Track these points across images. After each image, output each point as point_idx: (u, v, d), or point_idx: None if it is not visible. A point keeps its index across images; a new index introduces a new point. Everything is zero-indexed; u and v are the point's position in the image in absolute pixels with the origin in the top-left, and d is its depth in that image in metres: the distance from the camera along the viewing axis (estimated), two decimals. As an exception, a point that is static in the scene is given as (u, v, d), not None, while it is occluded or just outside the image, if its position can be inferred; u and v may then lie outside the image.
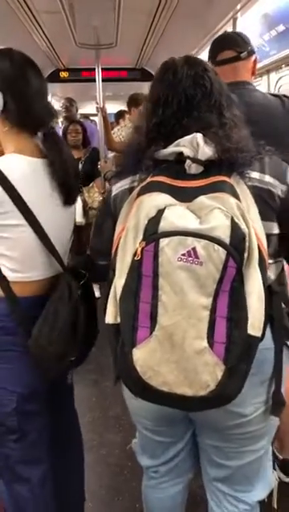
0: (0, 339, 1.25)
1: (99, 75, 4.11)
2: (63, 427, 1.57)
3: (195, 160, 0.95)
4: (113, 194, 1.14)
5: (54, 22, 3.51)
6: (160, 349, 0.88)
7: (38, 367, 1.27)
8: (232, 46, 1.77)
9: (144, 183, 0.97)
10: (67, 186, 1.29)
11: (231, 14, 2.95)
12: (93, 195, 4.04)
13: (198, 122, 1.02)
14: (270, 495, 1.34)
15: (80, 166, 4.00)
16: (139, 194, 0.95)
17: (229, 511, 1.27)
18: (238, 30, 3.03)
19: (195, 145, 0.95)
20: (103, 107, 4.00)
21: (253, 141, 1.06)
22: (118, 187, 1.13)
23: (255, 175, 1.03)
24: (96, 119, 4.81)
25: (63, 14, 3.05)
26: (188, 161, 0.95)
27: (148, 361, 0.89)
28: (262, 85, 4.06)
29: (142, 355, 0.89)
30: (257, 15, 3.07)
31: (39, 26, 3.76)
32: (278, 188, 1.04)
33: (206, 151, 0.95)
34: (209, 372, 0.87)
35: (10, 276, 1.23)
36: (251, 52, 1.78)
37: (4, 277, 1.22)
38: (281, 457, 2.01)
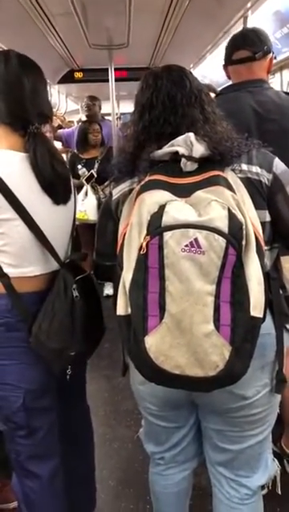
0: (4, 335, 1.27)
1: (112, 75, 4.16)
2: (74, 422, 1.60)
3: (190, 158, 1.01)
4: (114, 198, 1.19)
5: (67, 24, 3.55)
6: (170, 335, 0.94)
7: (43, 363, 1.29)
8: (247, 45, 1.75)
9: (143, 182, 1.03)
10: (49, 185, 1.29)
11: (242, 13, 2.96)
12: None
13: (184, 118, 1.10)
14: (274, 482, 1.38)
15: (96, 165, 4.05)
16: (139, 192, 1.01)
17: (231, 495, 1.31)
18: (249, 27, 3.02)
19: (189, 144, 1.02)
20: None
21: (238, 133, 1.14)
22: (118, 190, 1.18)
23: (244, 167, 1.10)
24: (110, 118, 4.85)
25: (75, 16, 3.09)
26: (183, 159, 1.01)
27: (160, 347, 0.94)
28: (274, 82, 4.06)
29: (154, 342, 0.94)
30: (268, 13, 3.07)
31: (54, 28, 3.82)
32: (265, 178, 1.11)
33: (199, 148, 1.01)
34: (217, 353, 0.92)
35: (9, 272, 1.25)
36: (267, 52, 1.76)
37: (4, 273, 1.24)
38: (290, 452, 2.04)
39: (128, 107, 5.72)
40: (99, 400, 2.66)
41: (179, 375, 0.95)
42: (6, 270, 1.24)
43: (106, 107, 4.93)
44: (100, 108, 4.83)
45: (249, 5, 2.86)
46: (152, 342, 0.94)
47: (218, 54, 4.26)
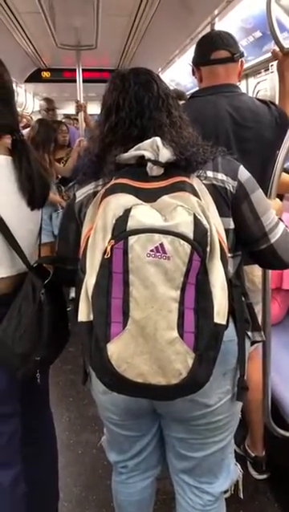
0: None
1: (79, 76, 4.13)
2: (37, 429, 1.56)
3: (156, 163, 1.00)
4: (77, 200, 1.16)
5: (35, 22, 3.51)
6: (133, 342, 0.91)
7: (5, 368, 1.26)
8: (226, 46, 1.73)
9: (109, 185, 1.01)
10: (30, 190, 1.29)
11: (209, 19, 2.99)
12: None
13: (151, 122, 1.09)
14: (237, 486, 1.39)
15: (61, 166, 4.03)
16: (104, 196, 0.99)
17: (194, 502, 1.31)
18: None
19: (155, 148, 1.01)
20: (81, 105, 4.04)
21: (203, 140, 1.14)
22: (82, 193, 1.16)
23: (210, 174, 1.10)
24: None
25: (42, 15, 3.05)
26: (149, 164, 1.00)
27: (122, 354, 0.91)
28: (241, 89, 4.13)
29: (116, 349, 0.91)
30: (235, 21, 3.12)
31: (20, 26, 3.76)
32: (230, 185, 1.11)
33: (166, 153, 1.01)
34: (180, 361, 0.91)
35: None
36: (242, 55, 1.76)
37: None
38: (253, 454, 2.07)
39: (96, 108, 5.65)
40: (64, 406, 2.62)
41: (141, 384, 0.92)
42: None
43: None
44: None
45: (216, 12, 2.90)
46: (114, 349, 0.91)
47: (186, 60, 4.30)
